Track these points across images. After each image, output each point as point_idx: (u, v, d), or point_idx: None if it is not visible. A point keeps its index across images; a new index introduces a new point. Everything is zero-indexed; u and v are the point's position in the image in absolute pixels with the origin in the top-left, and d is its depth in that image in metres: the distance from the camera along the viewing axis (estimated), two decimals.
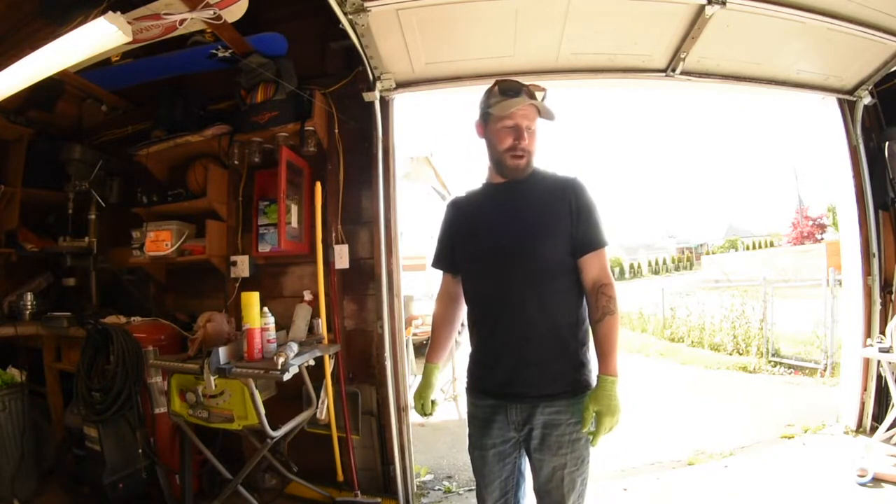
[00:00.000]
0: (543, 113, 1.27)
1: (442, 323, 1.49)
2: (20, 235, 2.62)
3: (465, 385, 1.39)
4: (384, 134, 2.37)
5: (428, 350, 1.48)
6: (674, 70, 2.30)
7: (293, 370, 1.86)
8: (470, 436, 1.35)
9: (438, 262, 1.46)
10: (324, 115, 2.41)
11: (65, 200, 2.63)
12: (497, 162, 1.31)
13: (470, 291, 1.36)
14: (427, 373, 1.44)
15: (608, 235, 1.30)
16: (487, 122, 1.31)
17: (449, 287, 1.46)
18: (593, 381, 1.25)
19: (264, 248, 2.43)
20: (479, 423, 1.32)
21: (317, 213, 2.32)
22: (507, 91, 1.27)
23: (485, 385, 1.32)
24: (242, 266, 2.49)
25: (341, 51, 2.41)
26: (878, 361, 2.58)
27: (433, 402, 1.44)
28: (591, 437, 1.20)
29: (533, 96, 1.27)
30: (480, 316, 1.32)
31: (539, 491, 1.27)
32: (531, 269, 1.23)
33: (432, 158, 8.38)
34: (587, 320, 1.28)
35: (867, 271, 2.69)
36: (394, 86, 2.35)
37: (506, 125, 1.26)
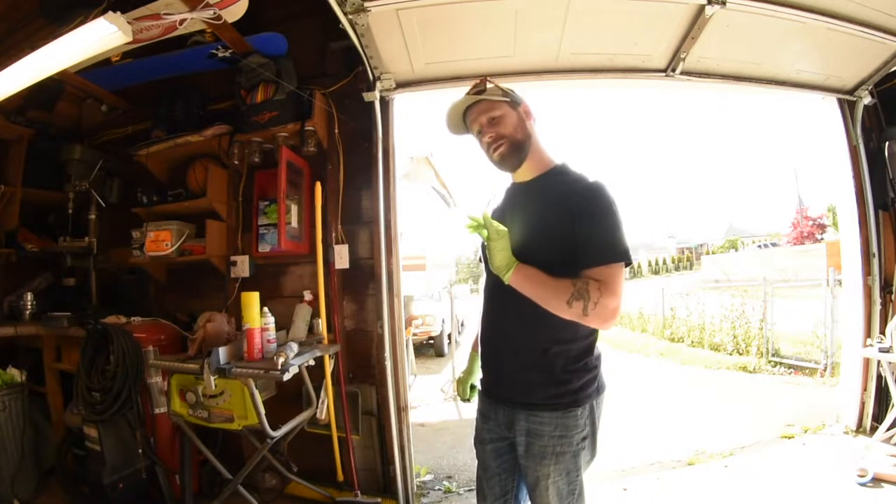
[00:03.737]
0: (482, 97, 1.25)
1: None
2: (20, 235, 2.61)
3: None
4: (384, 134, 2.37)
5: (474, 340, 1.50)
6: (674, 70, 2.30)
7: (293, 370, 1.86)
8: (475, 428, 1.39)
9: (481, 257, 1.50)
10: (324, 115, 2.40)
11: (65, 200, 2.63)
12: (495, 166, 1.31)
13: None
14: (469, 360, 1.49)
15: (621, 250, 1.11)
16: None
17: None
18: (582, 399, 1.18)
19: (264, 248, 2.43)
20: (480, 417, 1.36)
21: (317, 213, 2.32)
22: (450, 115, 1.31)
23: (483, 382, 1.37)
24: (242, 266, 2.49)
25: (341, 51, 2.40)
26: (878, 361, 2.58)
27: (472, 387, 1.46)
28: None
29: (478, 92, 1.26)
30: (482, 315, 1.34)
31: (529, 495, 1.28)
32: None
33: (432, 158, 8.39)
34: (583, 338, 1.21)
35: (867, 271, 2.69)
36: (394, 86, 2.35)
37: (474, 133, 1.29)
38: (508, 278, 1.14)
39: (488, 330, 1.31)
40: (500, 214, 1.34)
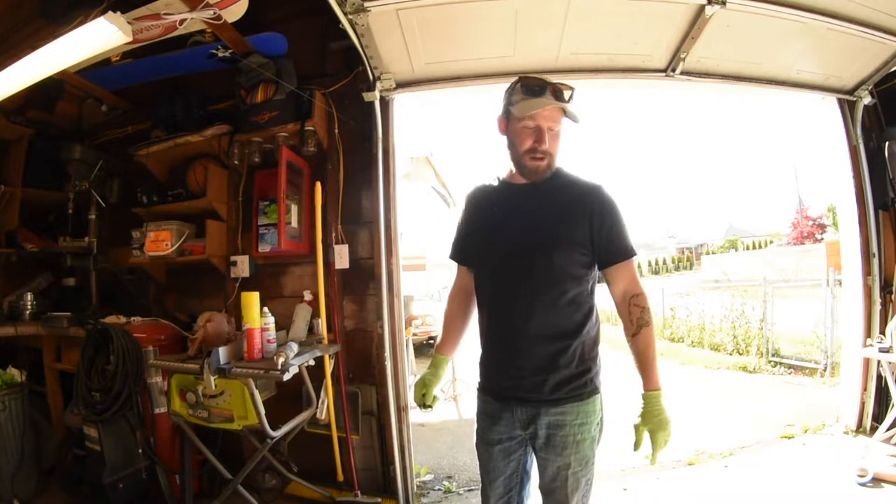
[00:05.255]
0: (568, 114, 1.21)
1: (454, 315, 1.48)
2: (20, 235, 2.62)
3: (477, 380, 1.38)
4: (384, 134, 2.37)
5: (438, 341, 1.49)
6: (674, 70, 2.30)
7: (293, 370, 1.86)
8: (477, 431, 1.35)
9: (454, 255, 1.46)
10: (324, 115, 2.40)
11: (65, 200, 2.64)
12: (517, 162, 1.27)
13: (480, 292, 1.35)
14: (433, 363, 1.43)
15: (634, 244, 1.26)
16: (509, 120, 1.26)
17: (463, 280, 1.46)
18: (600, 386, 1.26)
19: (264, 248, 2.43)
20: (487, 419, 1.33)
21: (317, 213, 2.32)
22: (530, 90, 1.21)
23: (491, 386, 1.33)
24: (242, 266, 2.48)
25: (341, 51, 2.40)
26: (878, 361, 2.58)
27: (434, 396, 1.41)
28: (647, 457, 1.20)
29: (559, 96, 1.20)
30: (488, 319, 1.32)
31: (544, 489, 1.27)
32: (539, 277, 1.21)
33: (432, 158, 8.38)
34: (596, 327, 1.27)
35: (867, 271, 2.69)
36: (394, 86, 2.35)
37: (527, 126, 1.22)
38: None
39: (501, 334, 1.29)
40: (496, 212, 1.32)
